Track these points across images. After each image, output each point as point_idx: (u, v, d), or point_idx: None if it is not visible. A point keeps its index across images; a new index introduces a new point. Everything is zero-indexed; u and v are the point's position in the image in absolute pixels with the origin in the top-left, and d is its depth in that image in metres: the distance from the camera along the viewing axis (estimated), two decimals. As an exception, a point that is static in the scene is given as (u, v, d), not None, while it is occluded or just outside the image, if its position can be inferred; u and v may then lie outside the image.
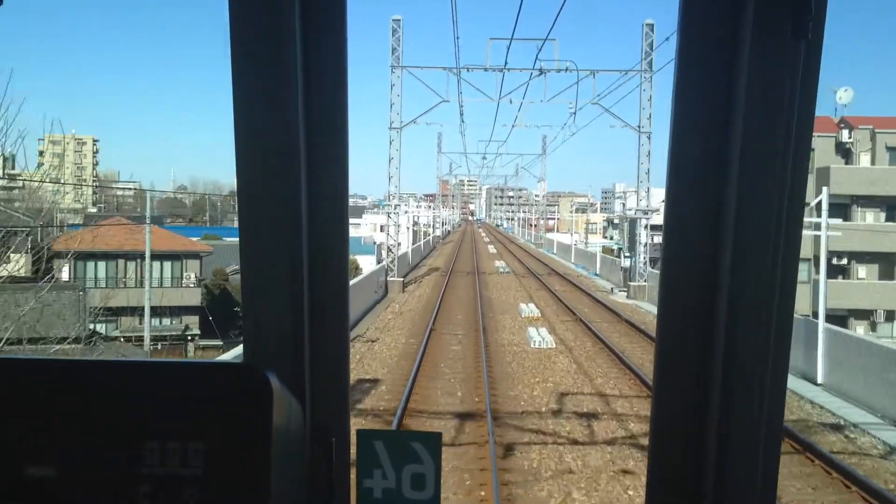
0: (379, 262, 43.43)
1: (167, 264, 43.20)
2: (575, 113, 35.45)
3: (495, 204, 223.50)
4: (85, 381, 1.16)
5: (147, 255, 34.56)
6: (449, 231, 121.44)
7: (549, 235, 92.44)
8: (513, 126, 43.78)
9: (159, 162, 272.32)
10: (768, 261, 1.26)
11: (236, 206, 1.40)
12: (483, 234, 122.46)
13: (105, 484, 1.10)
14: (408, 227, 60.98)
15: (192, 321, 42.49)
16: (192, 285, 43.93)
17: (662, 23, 32.22)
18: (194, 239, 63.69)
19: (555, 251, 71.12)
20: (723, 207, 1.30)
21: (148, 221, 36.54)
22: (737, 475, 1.30)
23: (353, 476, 1.39)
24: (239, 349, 13.23)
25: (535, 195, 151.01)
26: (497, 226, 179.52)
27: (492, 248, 76.82)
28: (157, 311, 39.42)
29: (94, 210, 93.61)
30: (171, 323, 42.70)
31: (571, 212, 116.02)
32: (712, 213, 1.32)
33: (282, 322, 1.36)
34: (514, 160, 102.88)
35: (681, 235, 1.35)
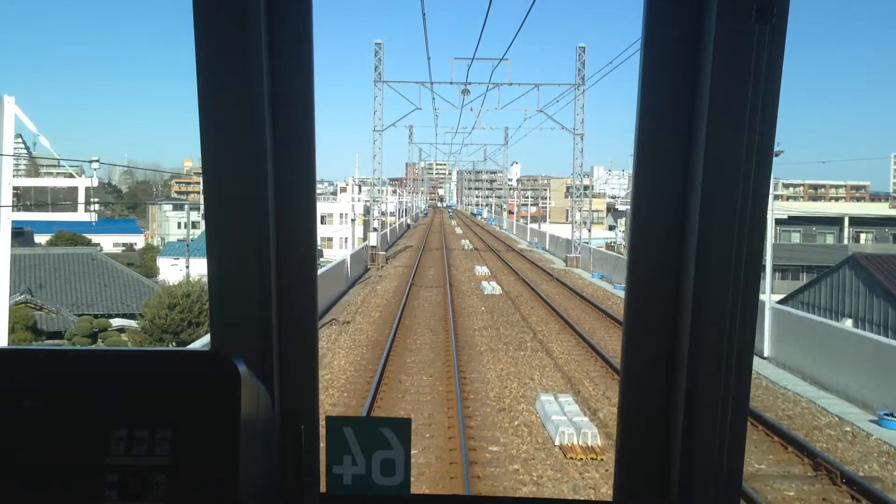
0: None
1: None
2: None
3: (467, 188, 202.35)
4: (52, 371, 1.15)
5: None
6: (409, 225, 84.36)
7: (548, 229, 61.87)
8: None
9: (111, 146, 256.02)
10: (733, 245, 1.26)
11: (202, 194, 1.32)
12: (457, 230, 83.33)
13: (72, 473, 1.10)
14: (353, 219, 42.69)
15: None
16: None
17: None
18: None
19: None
20: (689, 192, 1.30)
21: None
22: (703, 458, 1.31)
23: (323, 462, 1.38)
24: (207, 337, 11.45)
25: (510, 179, 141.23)
26: (473, 214, 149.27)
27: (489, 285, 29.07)
28: None
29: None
30: None
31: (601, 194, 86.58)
32: (679, 198, 1.31)
33: (249, 309, 1.34)
34: (480, 148, 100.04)
35: (647, 220, 1.33)
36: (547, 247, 53.98)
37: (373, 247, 39.32)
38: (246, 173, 1.30)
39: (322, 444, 1.40)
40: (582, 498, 8.92)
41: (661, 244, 1.33)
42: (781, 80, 1.22)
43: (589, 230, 42.50)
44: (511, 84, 40.30)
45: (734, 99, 1.23)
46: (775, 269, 61.89)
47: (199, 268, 58.35)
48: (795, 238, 56.75)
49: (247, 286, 1.33)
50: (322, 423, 1.42)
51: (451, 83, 39.69)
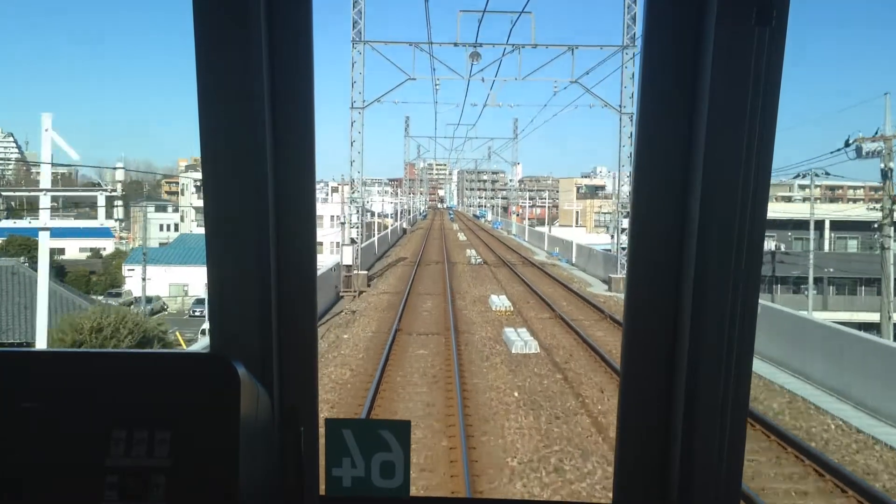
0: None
1: None
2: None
3: (468, 189, 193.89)
4: (52, 372, 1.15)
5: None
6: (405, 230, 74.16)
7: (574, 236, 51.69)
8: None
9: (106, 146, 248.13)
10: (733, 246, 1.25)
11: (202, 196, 1.33)
12: (460, 235, 70.70)
13: (71, 474, 1.10)
14: (342, 222, 33.87)
15: None
16: None
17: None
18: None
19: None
20: (689, 193, 1.29)
21: None
22: (703, 459, 1.30)
23: (322, 464, 1.37)
24: (207, 340, 7.59)
25: (511, 179, 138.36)
26: (476, 217, 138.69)
27: (516, 335, 18.37)
28: None
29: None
30: None
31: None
32: (679, 199, 1.31)
33: (249, 310, 1.33)
34: (485, 143, 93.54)
35: (647, 221, 1.33)
36: (574, 260, 43.06)
37: (347, 266, 28.03)
38: (246, 173, 1.30)
39: (321, 446, 1.40)
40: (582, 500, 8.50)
41: (661, 245, 1.33)
42: (781, 82, 1.22)
43: (618, 235, 32.39)
44: (535, 46, 30.39)
45: (734, 101, 1.23)
46: (830, 281, 48.46)
47: (168, 276, 49.77)
48: (852, 246, 47.14)
49: (246, 287, 1.33)
50: (321, 424, 1.41)
51: (455, 44, 30.36)
